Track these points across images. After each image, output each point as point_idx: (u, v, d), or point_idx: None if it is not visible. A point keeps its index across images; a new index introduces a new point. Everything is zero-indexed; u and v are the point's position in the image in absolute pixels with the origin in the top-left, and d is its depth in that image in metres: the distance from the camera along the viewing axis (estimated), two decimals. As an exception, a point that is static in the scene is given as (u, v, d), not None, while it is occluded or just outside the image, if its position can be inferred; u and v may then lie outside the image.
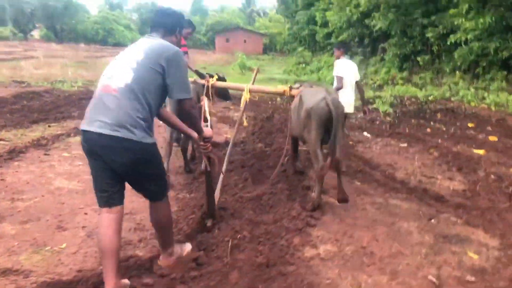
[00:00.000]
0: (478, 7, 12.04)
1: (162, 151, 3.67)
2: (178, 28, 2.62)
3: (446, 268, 2.80)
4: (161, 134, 4.92)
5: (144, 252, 2.91)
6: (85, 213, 3.56)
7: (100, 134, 2.15)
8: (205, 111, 4.21)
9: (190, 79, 5.45)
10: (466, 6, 11.93)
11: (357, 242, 3.12)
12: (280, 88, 5.22)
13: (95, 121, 2.18)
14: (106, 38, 55.21)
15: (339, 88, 5.31)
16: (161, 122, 2.82)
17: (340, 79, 5.36)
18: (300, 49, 30.72)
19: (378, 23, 17.01)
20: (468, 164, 5.42)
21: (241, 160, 5.38)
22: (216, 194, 3.62)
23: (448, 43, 13.18)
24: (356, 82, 5.59)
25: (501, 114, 9.56)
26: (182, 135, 4.62)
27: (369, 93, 13.21)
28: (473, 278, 2.67)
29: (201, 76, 5.36)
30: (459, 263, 2.87)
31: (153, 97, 2.30)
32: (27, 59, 21.77)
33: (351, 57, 8.25)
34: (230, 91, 5.78)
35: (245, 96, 5.06)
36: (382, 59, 18.97)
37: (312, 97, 3.84)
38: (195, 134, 2.70)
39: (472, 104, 11.06)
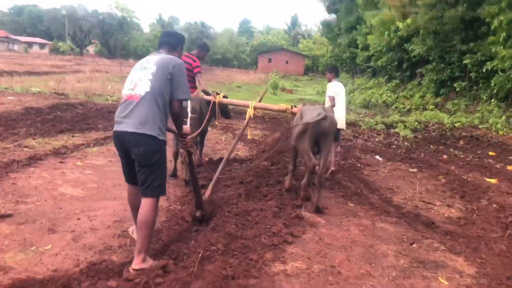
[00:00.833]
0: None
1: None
2: (179, 45, 3.30)
3: (411, 292, 2.76)
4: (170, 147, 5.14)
5: (119, 258, 3.05)
6: (78, 219, 3.75)
7: (126, 132, 2.82)
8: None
9: (199, 95, 5.72)
10: (504, 34, 11.70)
11: (329, 261, 3.12)
12: (283, 106, 5.45)
13: (123, 122, 2.85)
14: (155, 55, 57.86)
15: (331, 107, 5.76)
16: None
17: (332, 98, 5.99)
18: (338, 71, 31.11)
19: (416, 48, 17.11)
20: (473, 192, 5.27)
21: (242, 176, 5.47)
22: (209, 188, 4.20)
23: (484, 70, 12.97)
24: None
25: (528, 144, 9.17)
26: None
27: (394, 117, 13.02)
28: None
29: (207, 93, 5.66)
30: (426, 288, 2.82)
31: (165, 102, 2.92)
32: (74, 72, 22.96)
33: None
34: (239, 108, 6.08)
35: (249, 112, 5.33)
36: (419, 84, 18.89)
37: (311, 112, 4.44)
38: (176, 130, 3.21)
39: (500, 132, 10.68)
